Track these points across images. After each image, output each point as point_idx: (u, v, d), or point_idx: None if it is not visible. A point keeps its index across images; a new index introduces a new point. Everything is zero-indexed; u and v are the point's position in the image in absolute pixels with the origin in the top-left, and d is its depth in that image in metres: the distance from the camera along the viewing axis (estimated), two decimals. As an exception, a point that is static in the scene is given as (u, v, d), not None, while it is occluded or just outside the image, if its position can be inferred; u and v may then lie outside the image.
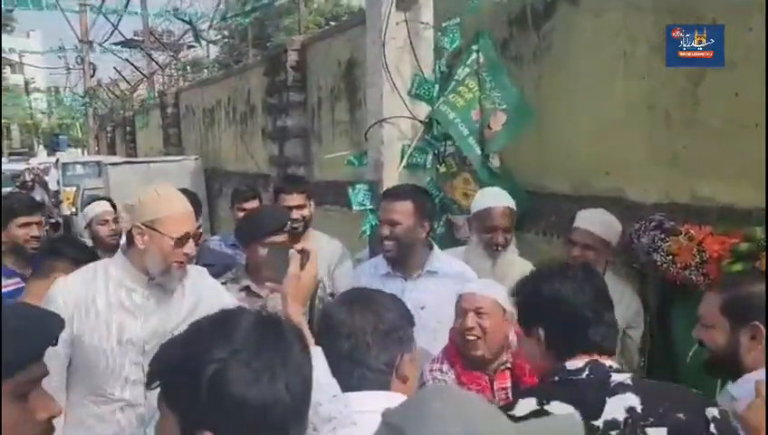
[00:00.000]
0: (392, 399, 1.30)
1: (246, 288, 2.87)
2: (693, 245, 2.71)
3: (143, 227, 2.05)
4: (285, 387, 0.93)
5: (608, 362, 1.44)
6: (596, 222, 2.90)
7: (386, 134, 3.75)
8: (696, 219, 2.92)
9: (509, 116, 3.53)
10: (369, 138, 3.85)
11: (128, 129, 19.42)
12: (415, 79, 3.77)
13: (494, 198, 2.95)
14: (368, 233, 3.74)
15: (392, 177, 3.73)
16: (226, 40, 21.97)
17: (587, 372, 1.41)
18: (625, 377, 1.41)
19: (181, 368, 0.94)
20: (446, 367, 2.28)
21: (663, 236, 2.83)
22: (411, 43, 3.72)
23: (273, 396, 0.92)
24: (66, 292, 2.05)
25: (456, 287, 2.70)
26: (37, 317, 1.15)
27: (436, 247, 2.81)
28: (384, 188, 3.71)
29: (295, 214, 3.37)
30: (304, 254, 1.48)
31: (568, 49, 3.70)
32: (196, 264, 2.99)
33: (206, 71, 19.43)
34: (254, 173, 9.15)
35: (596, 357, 1.44)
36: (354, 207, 3.79)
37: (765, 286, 1.64)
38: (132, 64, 20.82)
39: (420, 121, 3.77)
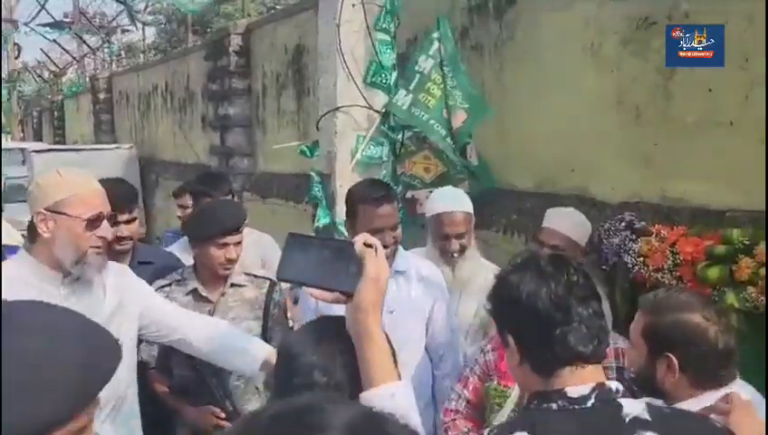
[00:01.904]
0: None
1: (194, 292, 2.59)
2: (665, 246, 2.59)
3: (46, 213, 1.77)
4: None
5: (613, 384, 1.21)
6: (565, 222, 2.74)
7: (339, 124, 3.48)
8: (666, 220, 2.81)
9: (468, 114, 3.37)
10: (320, 128, 3.58)
11: (56, 114, 18.41)
12: (371, 66, 3.53)
13: (446, 203, 2.72)
14: (318, 226, 3.50)
15: (345, 170, 3.48)
16: (163, 24, 21.09)
17: (593, 401, 1.17)
18: (638, 408, 1.18)
19: None
20: (488, 347, 2.25)
21: (634, 236, 2.70)
22: (368, 26, 3.46)
23: None
24: None
25: (426, 291, 2.51)
26: (98, 347, 0.91)
27: (400, 246, 2.60)
28: (337, 182, 3.48)
29: None
30: (372, 249, 1.12)
31: (532, 39, 3.54)
32: (131, 263, 2.69)
33: (141, 56, 18.60)
34: (194, 163, 8.72)
35: (595, 376, 1.21)
36: (309, 201, 3.53)
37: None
38: (61, 46, 19.73)
39: (376, 111, 3.53)
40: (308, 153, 3.65)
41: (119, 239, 2.55)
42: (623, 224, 2.77)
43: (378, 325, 1.09)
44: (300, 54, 5.97)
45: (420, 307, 2.48)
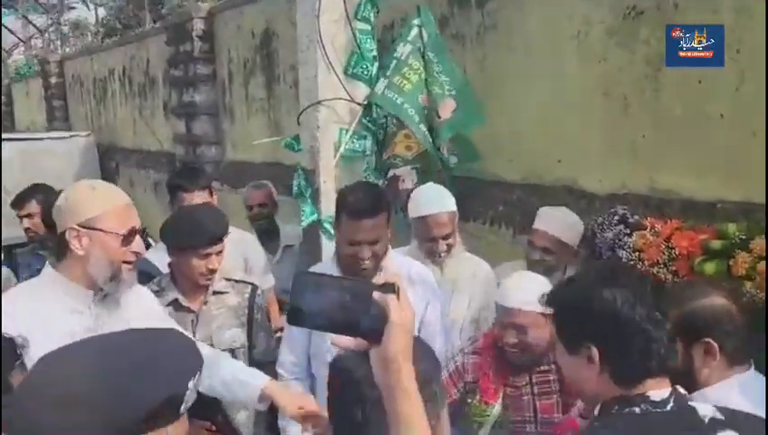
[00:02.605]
0: None
1: (174, 302, 2.51)
2: (660, 241, 2.59)
3: (80, 229, 1.71)
4: None
5: (682, 389, 1.26)
6: (555, 223, 2.74)
7: (321, 118, 3.37)
8: (656, 212, 2.82)
9: (458, 103, 3.29)
10: (301, 122, 3.46)
11: (3, 100, 17.59)
12: (352, 56, 3.42)
13: (430, 205, 2.68)
14: (305, 225, 3.41)
15: (329, 165, 3.39)
16: (115, 1, 20.26)
17: (672, 404, 1.21)
18: (710, 409, 1.23)
19: None
20: (470, 349, 2.23)
21: (628, 231, 2.69)
22: (348, 15, 3.35)
23: None
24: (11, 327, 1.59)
25: (418, 293, 2.46)
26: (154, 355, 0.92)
27: (390, 248, 2.53)
28: (321, 178, 3.38)
29: None
30: (392, 288, 1.01)
31: (515, 29, 3.48)
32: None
33: (92, 36, 17.90)
34: (157, 151, 8.46)
35: (668, 383, 1.24)
36: (294, 196, 3.43)
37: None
38: (6, 27, 18.82)
39: (358, 104, 3.43)
40: (294, 146, 3.53)
41: None
42: (616, 218, 2.76)
43: (411, 378, 1.00)
44: (268, 40, 5.79)
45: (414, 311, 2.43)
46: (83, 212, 1.71)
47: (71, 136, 9.92)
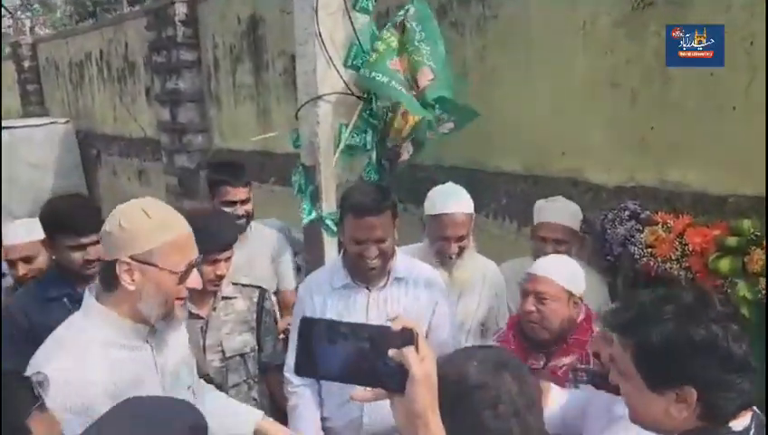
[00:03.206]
0: None
1: None
2: (672, 236, 2.58)
3: (132, 262, 1.53)
4: None
5: (757, 409, 1.22)
6: (561, 213, 2.73)
7: (321, 113, 3.29)
8: (665, 205, 2.80)
9: (434, 75, 3.16)
10: (300, 117, 3.38)
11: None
12: (351, 48, 3.32)
13: (448, 203, 2.62)
14: (306, 223, 3.34)
15: (330, 161, 3.31)
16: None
17: (753, 431, 1.18)
18: None
19: None
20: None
21: (639, 226, 2.68)
22: (347, 7, 3.25)
23: None
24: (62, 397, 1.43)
25: (426, 295, 2.42)
26: None
27: (397, 249, 2.49)
28: (322, 174, 3.31)
29: (240, 210, 3.01)
30: (410, 337, 0.93)
31: (517, 19, 3.40)
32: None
33: (58, 11, 17.38)
34: (140, 138, 8.27)
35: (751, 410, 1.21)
36: (295, 193, 3.35)
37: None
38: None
39: (358, 97, 3.35)
40: (295, 142, 3.45)
41: (87, 262, 2.36)
42: (627, 213, 2.75)
43: (439, 425, 0.94)
44: (255, 25, 5.64)
45: (422, 314, 2.40)
46: (138, 244, 1.52)
47: (50, 123, 9.65)
